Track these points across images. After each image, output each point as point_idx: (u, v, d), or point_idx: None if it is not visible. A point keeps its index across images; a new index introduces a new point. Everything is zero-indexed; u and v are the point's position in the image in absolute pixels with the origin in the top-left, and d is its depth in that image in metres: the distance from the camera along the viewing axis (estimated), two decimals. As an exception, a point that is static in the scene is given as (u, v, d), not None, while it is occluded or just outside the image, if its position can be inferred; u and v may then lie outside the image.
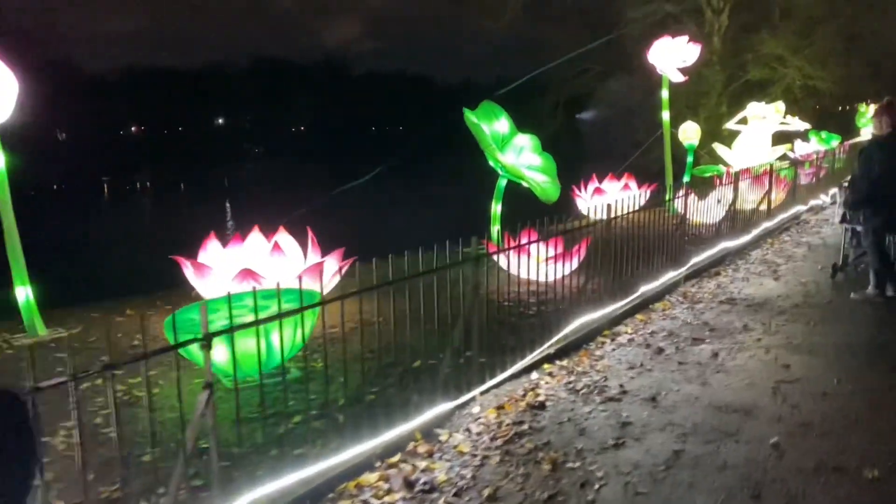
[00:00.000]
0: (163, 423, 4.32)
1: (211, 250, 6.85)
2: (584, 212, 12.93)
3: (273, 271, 6.40)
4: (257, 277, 6.04)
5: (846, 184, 7.72)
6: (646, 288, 7.30)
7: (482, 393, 4.79)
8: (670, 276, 7.86)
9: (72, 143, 74.64)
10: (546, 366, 5.40)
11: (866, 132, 20.46)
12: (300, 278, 4.10)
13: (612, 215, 7.07)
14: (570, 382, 5.10)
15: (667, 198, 10.65)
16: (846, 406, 4.49)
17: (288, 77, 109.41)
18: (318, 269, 6.20)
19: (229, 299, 3.80)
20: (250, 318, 3.87)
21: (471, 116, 9.07)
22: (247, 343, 4.43)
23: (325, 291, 6.75)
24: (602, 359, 5.62)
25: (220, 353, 4.57)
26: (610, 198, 12.91)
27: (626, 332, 6.29)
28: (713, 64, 20.10)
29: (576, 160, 23.31)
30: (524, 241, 7.95)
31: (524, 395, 4.83)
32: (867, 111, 20.76)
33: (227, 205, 36.02)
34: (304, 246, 7.13)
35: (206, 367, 3.15)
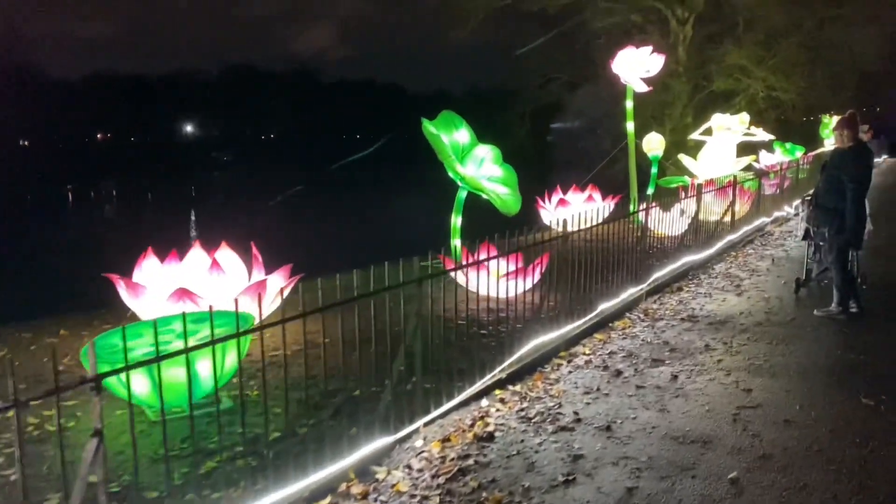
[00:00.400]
0: (73, 464, 3.94)
1: (147, 268, 6.46)
2: (549, 224, 12.79)
3: (213, 290, 6.05)
4: (194, 297, 5.69)
5: (808, 197, 7.57)
6: (606, 305, 7.06)
7: (426, 424, 4.48)
8: (631, 292, 7.63)
9: (36, 149, 73.06)
10: (498, 391, 5.11)
11: (830, 143, 20.60)
12: (236, 301, 3.80)
13: (569, 230, 6.84)
14: (522, 410, 4.82)
15: (631, 209, 10.48)
16: (808, 435, 4.26)
17: (258, 85, 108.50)
18: (259, 288, 5.86)
19: (154, 325, 3.45)
20: (179, 344, 3.55)
21: (429, 127, 8.80)
22: (171, 372, 4.10)
23: (271, 311, 6.44)
24: (558, 382, 5.35)
25: (139, 384, 4.21)
26: (574, 210, 12.76)
27: (584, 353, 6.03)
28: (678, 75, 20.11)
29: (545, 171, 23.22)
30: (482, 256, 7.69)
31: (472, 425, 4.53)
32: (831, 122, 20.92)
33: (192, 214, 35.36)
34: (253, 262, 6.78)
35: (94, 412, 2.79)
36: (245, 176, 55.43)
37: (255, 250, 6.60)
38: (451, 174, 8.94)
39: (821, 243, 7.41)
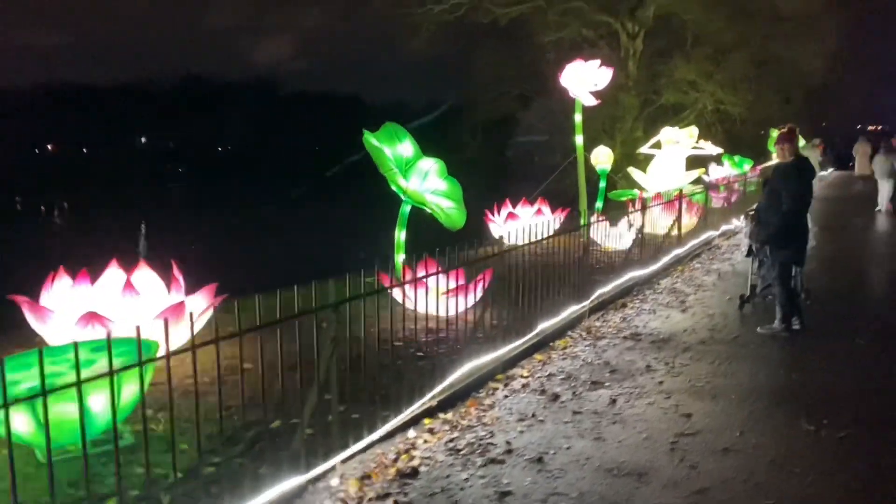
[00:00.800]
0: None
1: (58, 289, 6.01)
2: (498, 237, 12.58)
3: (127, 313, 5.64)
4: (104, 321, 5.28)
5: (752, 212, 7.47)
6: (547, 323, 6.82)
7: (345, 460, 4.15)
8: (574, 309, 7.42)
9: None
10: (427, 421, 4.81)
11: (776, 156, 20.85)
12: (138, 328, 3.46)
13: (513, 244, 6.63)
14: (451, 440, 4.53)
15: (581, 223, 10.31)
16: (747, 466, 4.05)
17: (214, 96, 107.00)
18: (176, 311, 5.47)
19: (40, 354, 3.08)
20: (72, 376, 3.20)
21: (371, 139, 8.51)
22: (60, 408, 3.71)
23: (194, 332, 6.04)
24: (492, 409, 5.08)
25: (22, 422, 3.81)
26: (523, 223, 12.58)
27: (522, 376, 5.77)
28: (628, 89, 20.22)
29: (501, 184, 23.08)
30: (421, 273, 7.41)
31: (396, 460, 4.23)
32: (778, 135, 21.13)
33: (143, 228, 34.38)
34: (188, 281, 6.39)
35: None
36: (199, 188, 54.38)
37: (175, 270, 6.21)
38: (393, 187, 8.67)
39: (764, 259, 7.31)
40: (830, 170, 32.67)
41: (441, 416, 4.90)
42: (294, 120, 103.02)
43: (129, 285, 5.73)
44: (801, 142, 20.48)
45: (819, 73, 26.18)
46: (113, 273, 6.26)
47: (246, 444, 4.22)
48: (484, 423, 4.80)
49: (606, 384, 5.53)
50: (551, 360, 6.20)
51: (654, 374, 5.71)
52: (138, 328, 3.48)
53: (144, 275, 6.21)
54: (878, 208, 16.66)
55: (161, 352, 3.72)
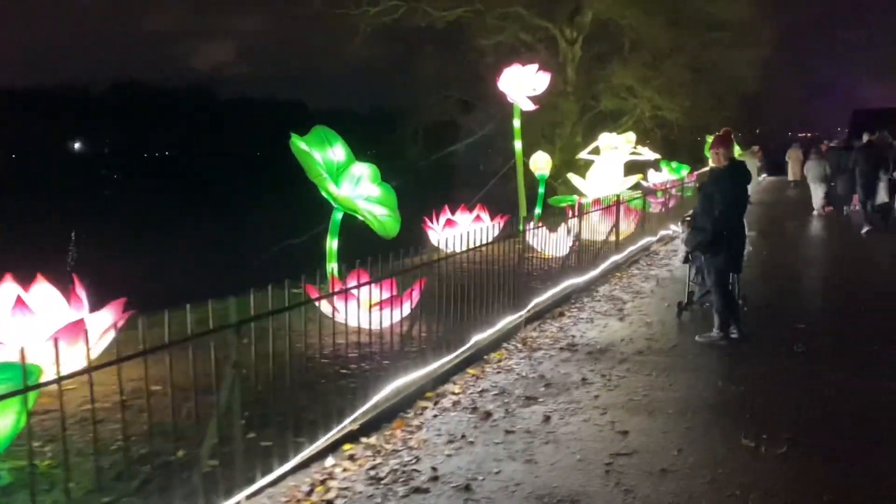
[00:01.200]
0: None
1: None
2: (436, 245, 12.29)
3: (20, 333, 5.12)
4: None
5: (688, 218, 7.34)
6: (482, 335, 6.53)
7: (252, 495, 3.76)
8: (510, 319, 7.16)
9: None
10: (348, 446, 4.45)
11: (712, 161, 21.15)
12: (22, 350, 3.06)
13: (446, 252, 6.36)
14: (373, 468, 4.18)
15: (520, 228, 10.10)
16: (685, 487, 3.82)
17: (151, 101, 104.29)
18: (74, 329, 4.98)
19: None
20: None
21: (299, 143, 8.09)
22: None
23: (97, 353, 5.55)
24: (419, 430, 4.75)
25: None
26: (461, 230, 12.31)
27: (453, 393, 5.46)
28: (567, 94, 20.24)
29: (444, 190, 22.84)
30: (351, 283, 7.07)
31: (310, 493, 3.86)
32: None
33: (72, 236, 32.93)
34: (94, 296, 5.89)
35: None
36: (134, 195, 52.66)
37: (76, 284, 5.70)
38: (323, 194, 8.28)
39: (701, 265, 7.18)
40: (764, 175, 33.52)
41: (363, 440, 4.55)
42: (234, 125, 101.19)
43: (20, 302, 5.21)
44: (737, 149, 20.86)
45: (753, 81, 26.78)
46: (6, 289, 5.70)
47: (142, 479, 3.79)
48: (410, 447, 4.47)
49: (541, 399, 5.27)
50: (485, 375, 5.91)
51: (590, 388, 5.47)
52: (22, 351, 3.08)
53: (42, 290, 5.68)
54: (814, 212, 17.01)
55: (50, 376, 3.32)
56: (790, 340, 6.54)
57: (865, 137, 15.09)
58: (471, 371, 5.97)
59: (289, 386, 4.44)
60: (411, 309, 6.90)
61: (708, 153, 22.68)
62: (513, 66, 12.49)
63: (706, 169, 21.01)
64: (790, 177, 26.95)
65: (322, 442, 4.30)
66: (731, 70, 24.27)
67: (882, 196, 15.06)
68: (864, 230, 13.63)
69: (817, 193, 17.32)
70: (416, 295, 7.04)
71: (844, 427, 4.64)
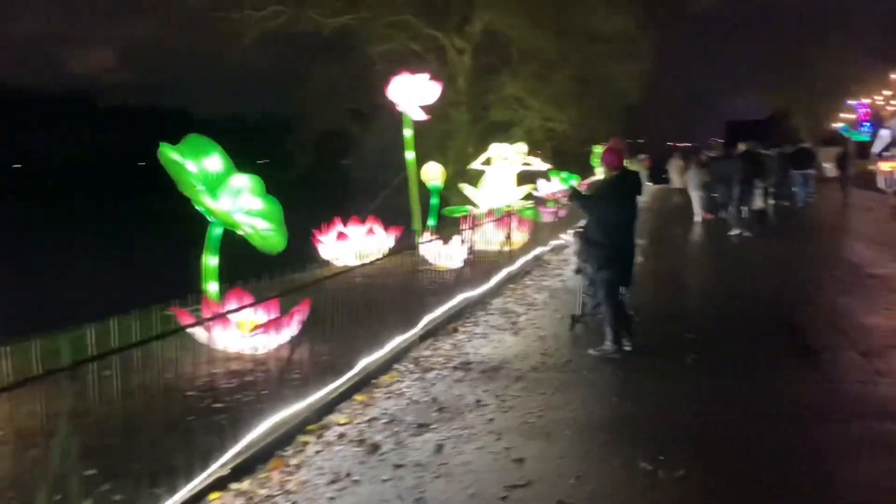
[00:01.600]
0: None
1: None
2: (328, 259, 11.80)
3: None
4: None
5: (580, 230, 7.23)
6: (372, 358, 6.13)
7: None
8: (403, 338, 6.80)
9: None
10: (215, 495, 3.95)
11: (601, 171, 21.66)
12: None
13: (337, 268, 5.95)
14: (244, 519, 3.71)
15: (416, 241, 9.82)
16: (584, 521, 3.58)
17: (18, 108, 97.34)
18: None
19: None
20: None
21: (169, 153, 7.44)
22: None
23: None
24: (299, 470, 4.31)
25: None
26: (353, 244, 11.89)
27: (339, 424, 5.04)
28: (459, 104, 20.18)
29: (338, 201, 22.22)
30: (228, 306, 6.59)
31: (166, 556, 3.35)
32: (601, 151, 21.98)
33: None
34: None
35: None
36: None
37: None
38: (199, 208, 7.66)
39: (593, 277, 7.08)
40: (647, 184, 34.86)
41: (234, 486, 4.07)
42: (116, 134, 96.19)
43: None
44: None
45: (635, 92, 27.76)
46: None
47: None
48: (287, 492, 4.02)
49: (433, 426, 4.93)
50: (374, 401, 5.52)
51: (485, 411, 5.19)
52: None
53: None
54: (695, 218, 17.66)
55: None
56: (682, 350, 6.47)
57: (742, 147, 15.81)
58: (359, 397, 5.57)
59: (152, 426, 3.94)
60: (296, 331, 6.45)
61: (595, 163, 23.28)
62: (402, 75, 12.22)
63: (596, 179, 21.49)
64: (672, 185, 28.09)
65: (184, 493, 3.79)
66: (615, 82, 25.06)
67: (758, 202, 15.86)
68: (738, 233, 14.31)
69: (696, 201, 18.04)
70: (301, 316, 6.58)
71: (739, 441, 4.54)
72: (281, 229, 8.30)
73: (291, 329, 6.46)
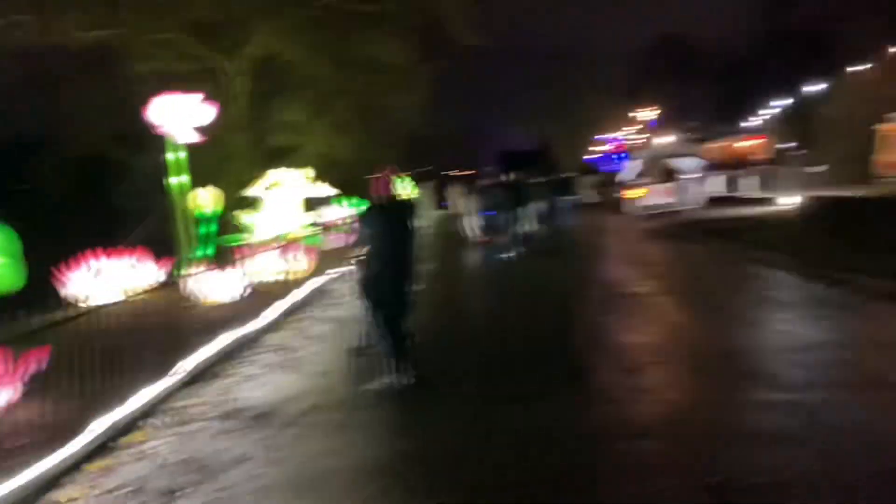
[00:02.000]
0: None
1: None
2: (76, 299, 10.40)
3: None
4: None
5: (363, 257, 6.83)
6: (113, 415, 5.29)
7: None
8: (158, 387, 6.00)
9: None
10: None
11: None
12: None
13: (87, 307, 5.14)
14: None
15: (176, 273, 9.06)
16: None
17: None
18: None
19: None
20: None
21: None
22: None
23: None
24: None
25: None
26: (112, 279, 10.61)
27: (67, 502, 4.21)
28: (237, 129, 19.20)
29: (106, 230, 20.04)
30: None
31: None
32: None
33: None
34: None
35: None
36: None
37: None
38: None
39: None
40: (432, 211, 35.91)
41: None
42: None
43: None
44: (402, 184, 21.70)
45: (417, 123, 28.36)
46: None
47: None
48: None
49: (188, 491, 4.28)
50: (116, 468, 4.71)
51: (251, 467, 4.60)
52: None
53: None
54: (471, 241, 18.49)
55: None
56: (461, 379, 6.31)
57: (513, 176, 17.18)
58: (97, 465, 4.73)
59: None
60: (24, 388, 5.42)
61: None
62: (164, 95, 11.30)
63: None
64: (451, 211, 29.19)
65: None
66: (396, 112, 25.41)
67: (528, 226, 16.96)
68: (511, 255, 15.09)
69: (472, 226, 19.02)
70: (29, 368, 5.56)
71: (513, 469, 4.37)
72: (16, 262, 7.20)
73: (14, 386, 5.43)
